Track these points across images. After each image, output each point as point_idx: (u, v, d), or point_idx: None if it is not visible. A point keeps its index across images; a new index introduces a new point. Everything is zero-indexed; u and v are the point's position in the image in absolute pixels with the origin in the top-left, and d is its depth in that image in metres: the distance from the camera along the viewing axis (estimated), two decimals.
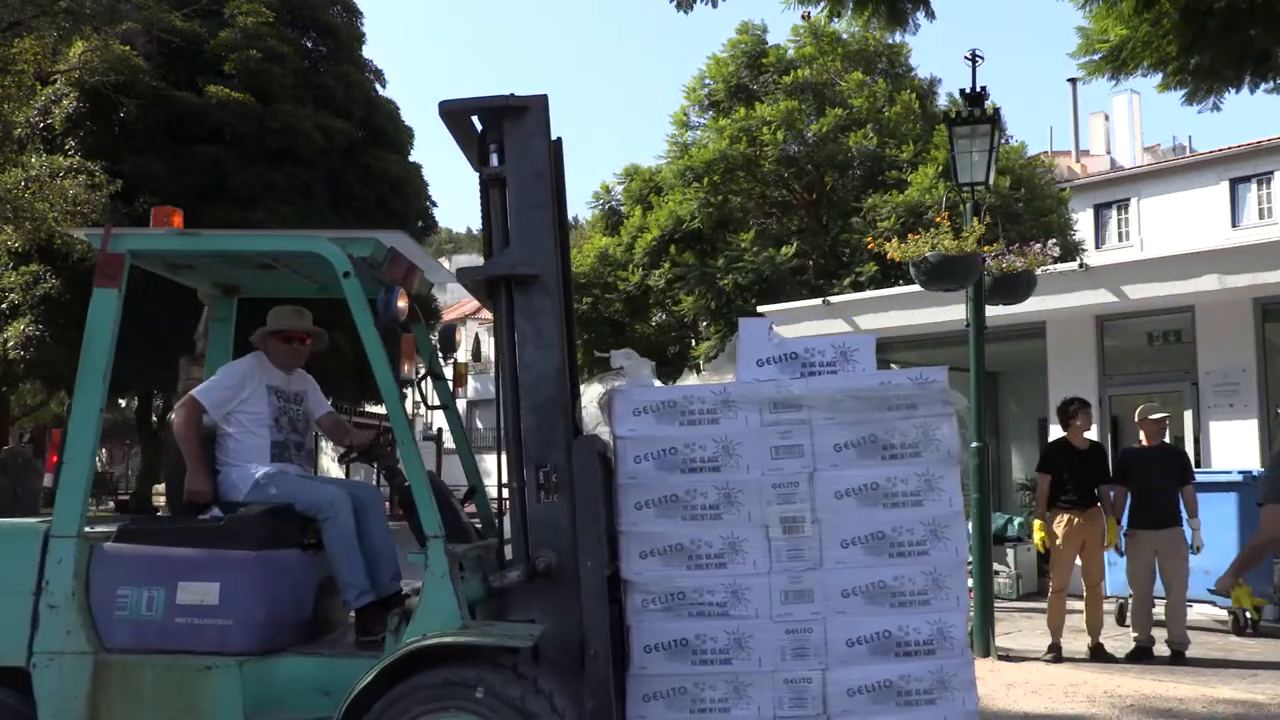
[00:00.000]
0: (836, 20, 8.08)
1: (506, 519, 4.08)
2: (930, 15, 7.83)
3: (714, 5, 7.70)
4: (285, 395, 4.45)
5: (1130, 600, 7.98)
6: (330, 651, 4.02)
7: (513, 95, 4.05)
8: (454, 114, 4.08)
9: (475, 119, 4.11)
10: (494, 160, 4.01)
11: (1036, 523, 7.81)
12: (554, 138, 4.09)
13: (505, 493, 3.98)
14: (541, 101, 4.01)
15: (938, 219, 7.93)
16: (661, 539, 3.74)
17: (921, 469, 3.76)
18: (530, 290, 3.89)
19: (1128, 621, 8.98)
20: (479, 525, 4.64)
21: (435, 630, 3.58)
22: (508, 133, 3.97)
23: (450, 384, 4.72)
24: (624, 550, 3.80)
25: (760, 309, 14.04)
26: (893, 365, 14.30)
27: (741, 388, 3.84)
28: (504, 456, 3.91)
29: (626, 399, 3.83)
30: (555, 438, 3.84)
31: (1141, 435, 7.94)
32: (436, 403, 4.72)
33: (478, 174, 4.12)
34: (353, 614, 4.17)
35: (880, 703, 3.64)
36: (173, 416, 4.39)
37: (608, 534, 3.84)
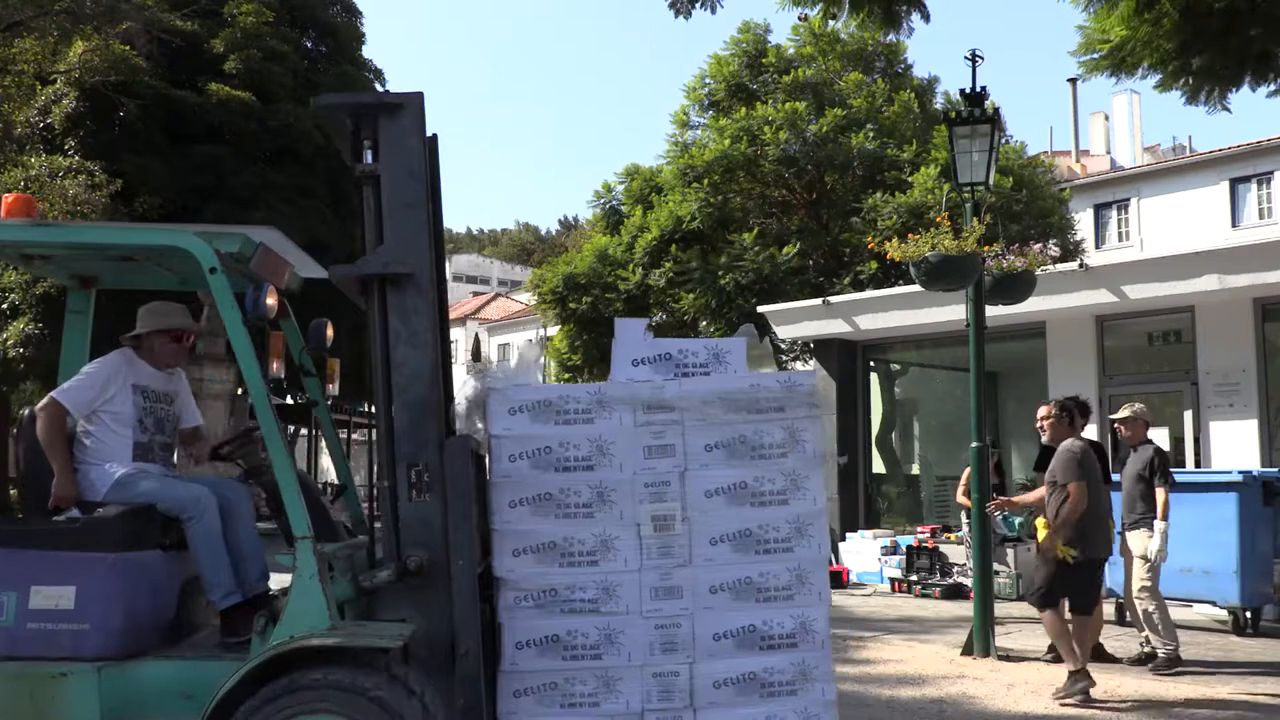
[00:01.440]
0: (832, 21, 8.08)
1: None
2: (925, 17, 7.84)
3: (712, 11, 7.71)
4: (153, 395, 4.35)
5: (1163, 604, 7.41)
6: (194, 654, 3.93)
7: (388, 93, 4.09)
8: (329, 110, 4.06)
9: (349, 115, 4.09)
10: (368, 157, 3.99)
11: (1040, 521, 7.79)
12: (430, 135, 4.07)
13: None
14: (417, 99, 4.01)
15: (938, 219, 7.93)
16: (535, 537, 3.79)
17: (788, 469, 3.88)
18: (404, 289, 3.90)
19: (1128, 620, 8.99)
20: (349, 524, 4.60)
21: (304, 631, 3.56)
22: (383, 130, 3.96)
23: (320, 381, 4.63)
24: (496, 548, 3.83)
25: (760, 309, 14.05)
26: (894, 365, 14.35)
27: (616, 388, 3.90)
28: (376, 455, 3.92)
29: (502, 398, 3.86)
30: (427, 436, 3.86)
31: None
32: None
33: (352, 171, 4.10)
34: (218, 615, 4.09)
35: (744, 694, 3.77)
36: (29, 413, 4.28)
37: (480, 532, 3.88)
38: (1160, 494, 7.22)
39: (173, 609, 4.07)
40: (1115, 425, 7.86)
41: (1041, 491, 7.09)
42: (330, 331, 4.28)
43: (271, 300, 3.85)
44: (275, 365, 4.14)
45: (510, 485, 3.83)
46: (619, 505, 3.81)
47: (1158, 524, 7.20)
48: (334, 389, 4.62)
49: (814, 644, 3.84)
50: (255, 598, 4.07)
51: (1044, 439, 7.54)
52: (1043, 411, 7.49)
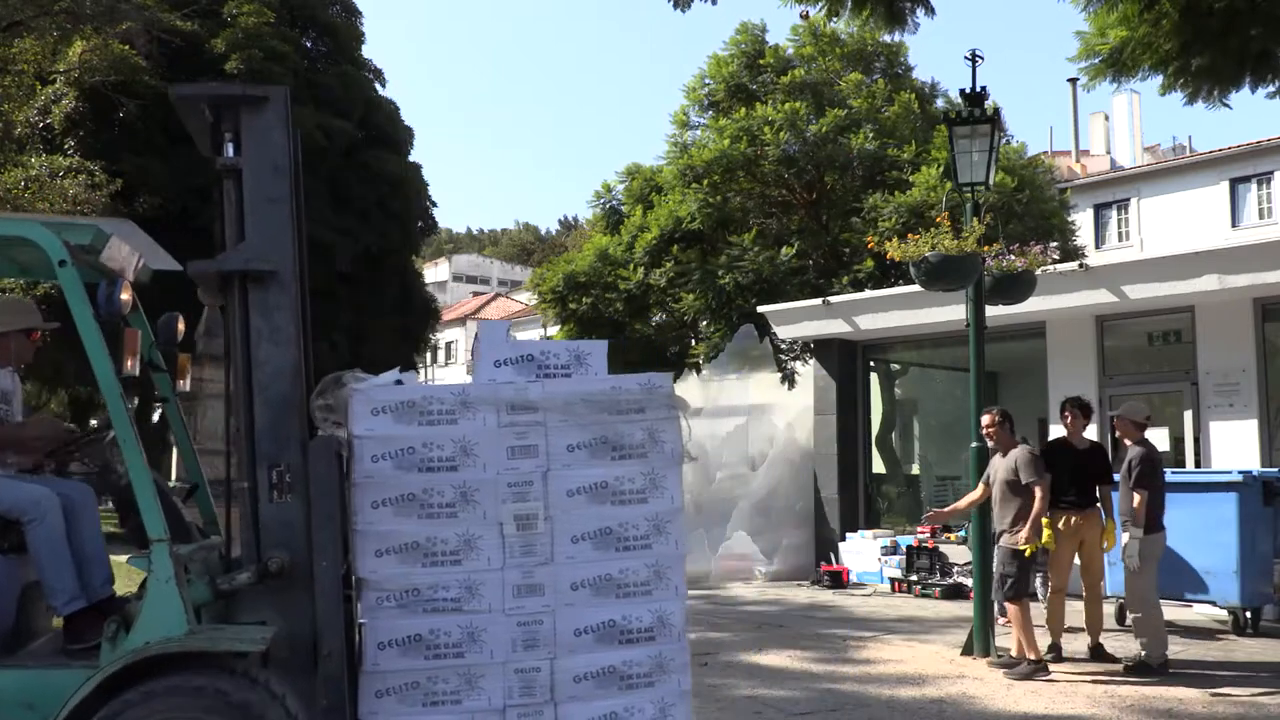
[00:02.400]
0: (835, 20, 8.07)
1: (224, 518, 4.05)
2: (930, 11, 7.83)
3: (713, 2, 7.70)
4: None
5: (1151, 611, 7.46)
6: (36, 663, 3.78)
7: (251, 85, 4.03)
8: (187, 100, 3.99)
9: (209, 107, 4.02)
10: (229, 151, 3.92)
11: (1044, 520, 7.80)
12: (293, 130, 4.04)
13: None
14: (282, 94, 3.98)
15: (938, 219, 7.93)
16: (397, 537, 3.79)
17: (647, 469, 3.97)
18: (266, 286, 3.87)
19: (1128, 622, 8.99)
20: (200, 524, 4.52)
21: (159, 636, 3.49)
22: (245, 124, 3.91)
23: (171, 377, 4.53)
24: (358, 549, 3.81)
25: (760, 309, 14.05)
26: (894, 365, 14.35)
27: (480, 389, 3.92)
28: (235, 454, 3.87)
29: (365, 399, 3.84)
30: (289, 436, 3.83)
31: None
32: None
33: (212, 163, 4.03)
34: (60, 621, 3.95)
35: (604, 687, 3.87)
36: None
37: (340, 533, 3.87)
38: (1135, 498, 7.22)
39: (11, 615, 3.93)
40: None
41: (974, 496, 7.72)
42: (181, 326, 4.22)
43: (126, 295, 3.78)
44: (130, 363, 3.98)
45: (373, 486, 3.81)
46: (482, 505, 3.84)
47: (1133, 529, 7.26)
48: (185, 385, 4.49)
49: (671, 637, 3.96)
50: (100, 603, 3.94)
51: (990, 445, 7.76)
52: (986, 420, 7.67)
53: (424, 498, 3.81)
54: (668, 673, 3.95)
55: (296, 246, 3.95)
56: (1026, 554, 7.22)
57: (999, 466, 7.51)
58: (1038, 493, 7.21)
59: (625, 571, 3.93)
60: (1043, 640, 7.77)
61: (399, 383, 3.99)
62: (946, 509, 8.36)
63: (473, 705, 3.77)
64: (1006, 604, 7.31)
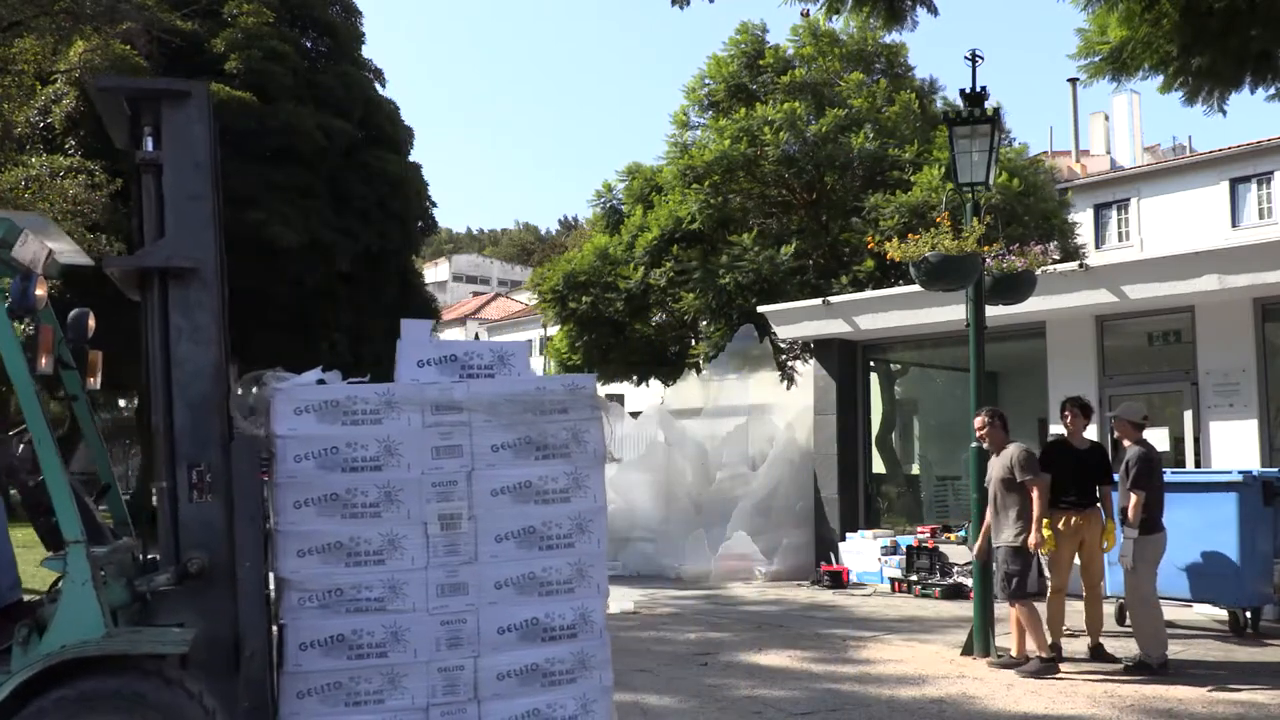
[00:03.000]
0: (835, 18, 8.07)
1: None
2: (932, 10, 7.82)
3: (711, 0, 7.70)
4: None
5: (1150, 611, 7.42)
6: None
7: (174, 80, 4.01)
8: (106, 93, 3.95)
9: (129, 100, 3.99)
10: (149, 145, 3.88)
11: (1044, 520, 7.80)
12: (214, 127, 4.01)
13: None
14: (204, 89, 3.97)
15: (938, 219, 7.93)
16: (320, 537, 3.78)
17: (570, 468, 4.01)
18: (187, 284, 3.83)
19: (1127, 623, 8.98)
20: (112, 526, 4.47)
21: (77, 639, 3.42)
22: (166, 119, 3.87)
23: (80, 375, 4.45)
24: (280, 549, 3.80)
25: (760, 309, 14.04)
26: (894, 365, 14.35)
27: (405, 389, 3.92)
28: (155, 454, 3.82)
29: (287, 398, 3.82)
30: (210, 436, 3.80)
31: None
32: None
33: (130, 157, 3.99)
34: None
35: (527, 684, 3.90)
36: None
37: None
38: (1131, 498, 7.23)
39: None
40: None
41: (990, 509, 7.58)
42: (92, 322, 4.16)
43: (40, 291, 3.73)
44: (44, 360, 3.91)
45: (295, 486, 3.80)
46: (406, 505, 3.84)
47: (1127, 529, 7.27)
48: (95, 383, 4.38)
49: (593, 634, 4.01)
50: (7, 607, 3.88)
51: (985, 447, 7.75)
52: (977, 422, 7.69)
53: (347, 498, 3.80)
54: (590, 669, 3.99)
55: (218, 244, 3.89)
56: (1044, 550, 7.32)
57: (994, 466, 7.54)
58: (1034, 492, 7.22)
59: (548, 570, 3.98)
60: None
61: (321, 382, 3.96)
62: (981, 535, 7.75)
63: (396, 704, 3.78)
64: (1010, 604, 7.34)
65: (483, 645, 3.88)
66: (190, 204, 3.86)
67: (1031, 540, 7.21)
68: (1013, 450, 7.42)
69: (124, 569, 3.84)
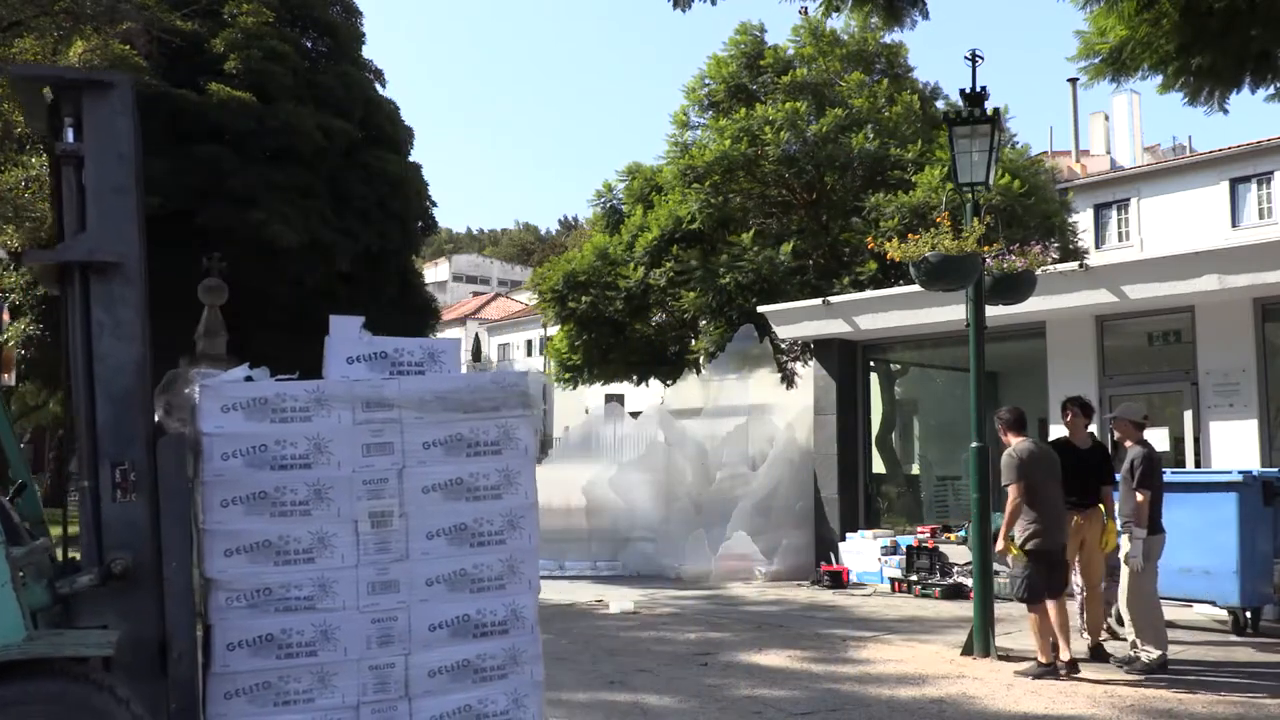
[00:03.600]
0: (835, 16, 8.08)
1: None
2: (924, 14, 7.84)
3: (713, 2, 7.71)
4: None
5: (1152, 610, 7.31)
6: None
7: (97, 71, 3.97)
8: (25, 82, 3.90)
9: (51, 90, 3.92)
10: (69, 136, 3.79)
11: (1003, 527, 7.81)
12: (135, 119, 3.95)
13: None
14: (127, 80, 3.90)
15: (938, 219, 7.93)
16: (248, 536, 3.75)
17: (501, 465, 4.02)
18: (110, 278, 3.77)
19: (1125, 631, 8.97)
20: (29, 525, 4.35)
21: None
22: (88, 110, 3.78)
23: None
24: (207, 548, 3.75)
25: (760, 309, 14.04)
26: (894, 365, 14.34)
27: (335, 386, 3.89)
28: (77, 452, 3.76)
29: (215, 395, 3.78)
30: (134, 433, 3.73)
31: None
32: None
33: (50, 148, 3.91)
34: None
35: (458, 681, 3.90)
36: None
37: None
38: (1137, 497, 7.15)
39: None
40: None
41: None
42: (6, 316, 4.07)
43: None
44: (6, 376, 3.81)
45: (223, 484, 3.76)
46: (336, 503, 3.82)
47: (1135, 529, 7.18)
48: (9, 378, 4.35)
49: (524, 629, 4.02)
50: None
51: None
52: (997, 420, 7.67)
53: (276, 496, 3.77)
54: (521, 664, 4.01)
55: (141, 238, 3.84)
56: (1024, 556, 7.20)
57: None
58: (1010, 494, 7.17)
59: (480, 566, 3.98)
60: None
61: (249, 379, 3.91)
62: (1001, 535, 7.43)
63: (326, 703, 3.76)
64: (1029, 608, 7.22)
65: (414, 642, 3.87)
66: (113, 197, 3.79)
67: (998, 544, 7.28)
68: (1004, 453, 7.36)
69: (42, 570, 3.76)
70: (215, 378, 3.86)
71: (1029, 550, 7.14)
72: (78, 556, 3.91)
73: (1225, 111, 8.81)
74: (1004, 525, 7.21)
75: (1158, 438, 9.77)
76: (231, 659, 3.72)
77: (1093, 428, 8.36)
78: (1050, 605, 7.10)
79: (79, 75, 3.94)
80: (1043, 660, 7.08)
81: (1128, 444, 7.53)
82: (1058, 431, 8.71)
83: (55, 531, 4.47)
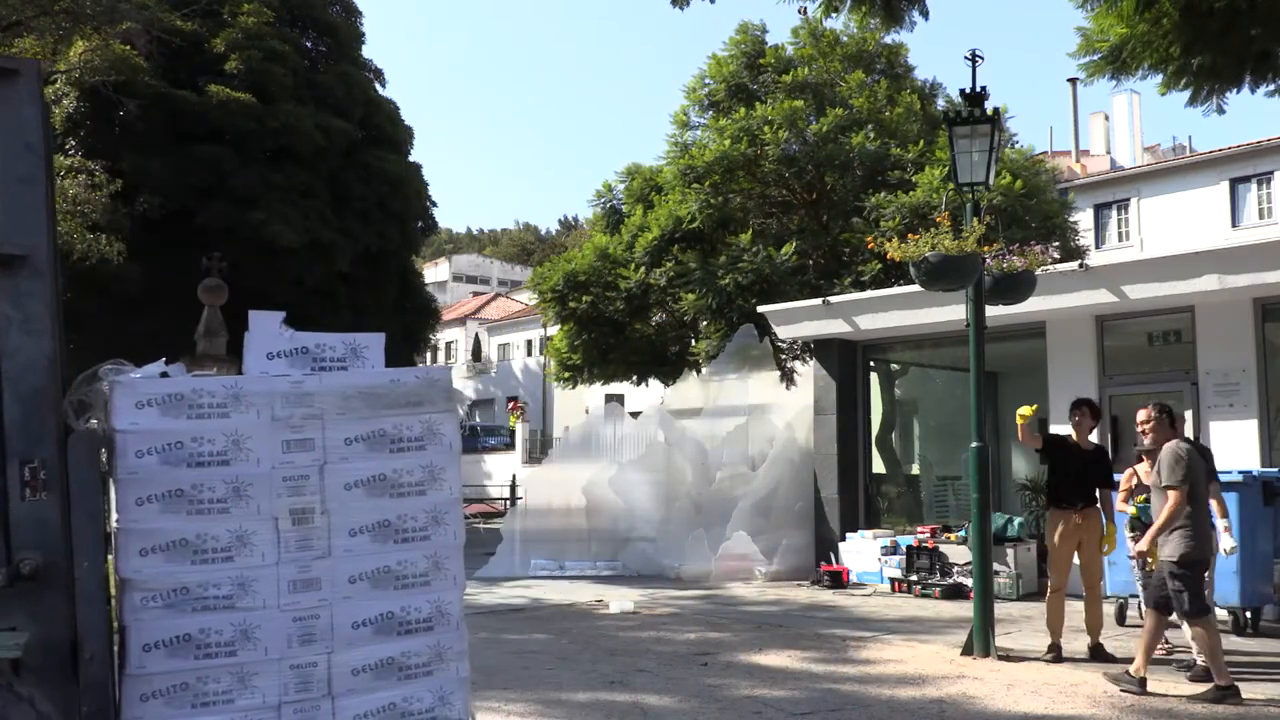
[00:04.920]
0: (834, 16, 8.07)
1: None
2: (924, 14, 7.84)
3: (711, 1, 7.70)
4: None
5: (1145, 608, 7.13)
6: None
7: (0, 57, 3.90)
8: None
9: None
10: None
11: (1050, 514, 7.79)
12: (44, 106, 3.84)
13: None
14: (33, 67, 3.78)
15: (938, 219, 7.93)
16: (164, 535, 3.69)
17: (426, 461, 3.98)
18: (16, 272, 3.65)
19: (1126, 621, 8.98)
20: None
21: None
22: None
23: None
24: (121, 547, 3.68)
25: (760, 309, 14.04)
26: (894, 365, 14.34)
27: (254, 382, 3.83)
28: None
29: (128, 391, 3.70)
30: (45, 431, 3.63)
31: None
32: None
33: None
34: None
35: (382, 679, 3.89)
36: None
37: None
38: (1170, 497, 6.57)
39: None
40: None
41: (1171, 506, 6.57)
42: None
43: None
44: None
45: (137, 482, 3.69)
46: (256, 500, 3.77)
47: (1178, 532, 6.55)
48: None
49: (449, 626, 4.00)
50: None
51: (1146, 443, 7.24)
52: (1142, 415, 7.06)
53: (193, 493, 3.72)
54: (446, 661, 3.99)
55: (51, 230, 3.75)
56: (1213, 558, 6.60)
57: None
58: (1172, 498, 6.45)
59: (404, 563, 3.95)
60: (1042, 640, 7.78)
61: (164, 375, 3.84)
62: (1149, 537, 6.81)
63: (246, 703, 3.71)
64: (1190, 624, 6.58)
65: (336, 641, 3.84)
66: (20, 187, 3.67)
67: (1142, 545, 6.74)
68: (1164, 450, 6.64)
69: None
70: (127, 373, 3.79)
71: (1186, 559, 6.40)
72: None
73: (1223, 111, 8.81)
74: (1156, 528, 6.54)
75: None
76: (148, 660, 3.68)
77: (1094, 431, 8.35)
78: (1164, 619, 6.61)
79: None
80: (1221, 684, 6.34)
81: (1160, 445, 7.03)
82: (1057, 432, 8.70)
83: None
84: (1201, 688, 6.50)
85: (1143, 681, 6.55)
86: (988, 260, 8.01)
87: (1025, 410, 7.76)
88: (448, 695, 3.99)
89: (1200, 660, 6.81)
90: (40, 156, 3.74)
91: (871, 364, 13.79)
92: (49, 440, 3.66)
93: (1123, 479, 8.10)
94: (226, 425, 3.78)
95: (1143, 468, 7.88)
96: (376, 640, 3.89)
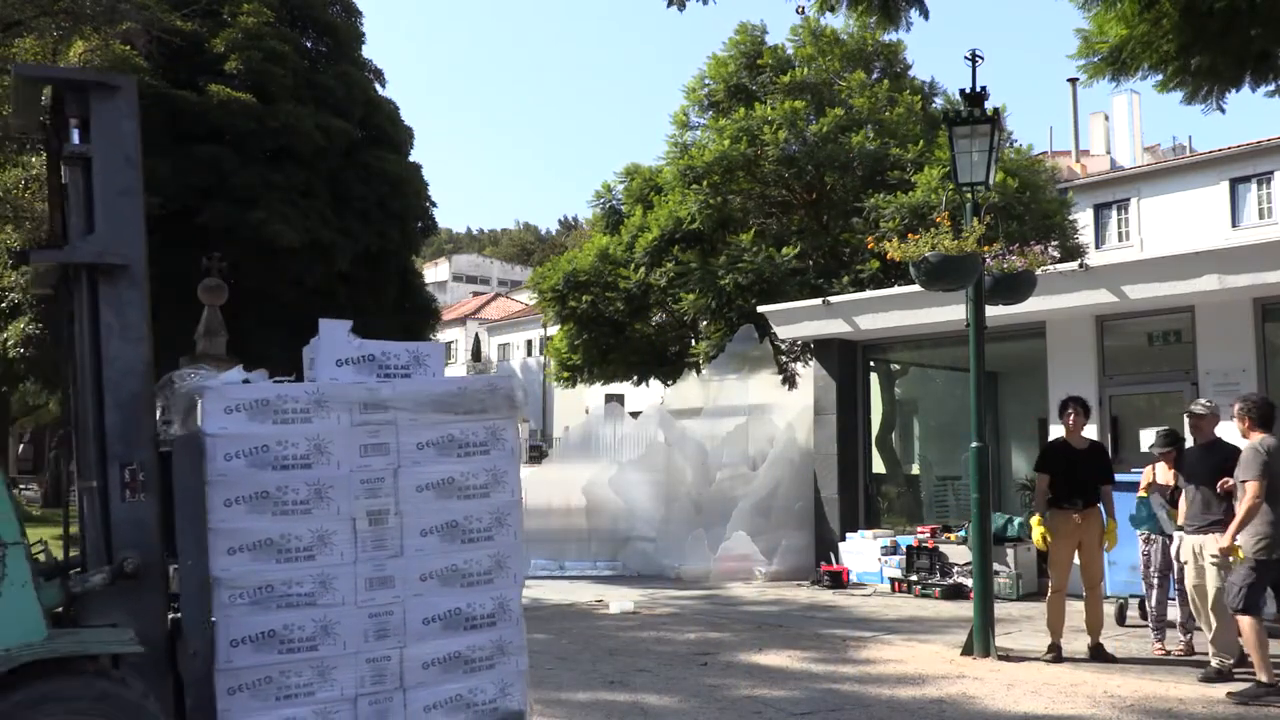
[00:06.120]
0: (831, 15, 8.08)
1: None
2: (924, 13, 7.84)
3: (704, 2, 7.70)
4: None
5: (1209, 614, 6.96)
6: None
7: (105, 73, 3.99)
8: (31, 80, 3.90)
9: (58, 90, 3.95)
10: (74, 138, 3.83)
11: (1035, 519, 7.80)
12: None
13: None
14: (133, 83, 3.94)
15: (938, 219, 7.92)
16: (251, 534, 3.83)
17: (490, 465, 4.22)
18: (117, 281, 3.82)
19: (1126, 621, 8.98)
20: None
21: (19, 641, 3.38)
22: (96, 112, 3.82)
23: None
24: (211, 547, 3.82)
25: (760, 309, 14.03)
26: (894, 365, 14.34)
27: (334, 388, 4.01)
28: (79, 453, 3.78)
29: (219, 397, 3.85)
30: (142, 435, 3.80)
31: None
32: None
33: (50, 149, 3.96)
34: None
35: (449, 672, 4.09)
36: None
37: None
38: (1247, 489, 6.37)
39: None
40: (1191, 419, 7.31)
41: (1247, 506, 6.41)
42: None
43: None
44: None
45: (226, 484, 3.84)
46: (336, 501, 3.96)
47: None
48: None
49: (510, 621, 4.23)
50: None
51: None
52: (1237, 408, 6.75)
53: (278, 495, 3.87)
54: (507, 655, 4.21)
55: (144, 241, 3.87)
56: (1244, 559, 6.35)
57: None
58: (1249, 491, 6.31)
59: (469, 562, 4.15)
60: (1042, 640, 7.78)
61: (246, 382, 3.98)
62: (1230, 534, 6.51)
63: (325, 696, 3.88)
64: (1239, 617, 6.43)
65: (408, 635, 4.01)
66: (120, 200, 3.82)
67: (1224, 542, 6.44)
68: (1246, 446, 6.50)
69: (40, 569, 3.81)
70: (216, 379, 3.91)
71: (1259, 557, 6.32)
72: (73, 556, 3.92)
73: (1222, 110, 8.82)
74: (1236, 525, 6.38)
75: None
76: (235, 655, 3.79)
77: (1091, 428, 8.34)
78: (1258, 621, 6.42)
79: (87, 76, 3.96)
80: (1264, 679, 6.28)
81: (1209, 441, 7.13)
82: (1056, 432, 8.70)
83: (55, 531, 4.49)
84: (1219, 689, 6.49)
85: (1273, 688, 6.24)
86: (988, 260, 8.01)
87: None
88: (508, 687, 4.20)
89: (1215, 663, 6.79)
90: (137, 170, 3.90)
91: (871, 364, 13.79)
92: (146, 444, 3.82)
93: (1143, 476, 8.16)
94: (309, 430, 3.94)
95: (1160, 466, 7.95)
96: (444, 635, 4.09)
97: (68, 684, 3.41)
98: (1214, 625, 6.87)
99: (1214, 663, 6.86)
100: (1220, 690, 6.51)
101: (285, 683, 3.82)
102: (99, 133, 3.81)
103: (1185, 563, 7.12)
